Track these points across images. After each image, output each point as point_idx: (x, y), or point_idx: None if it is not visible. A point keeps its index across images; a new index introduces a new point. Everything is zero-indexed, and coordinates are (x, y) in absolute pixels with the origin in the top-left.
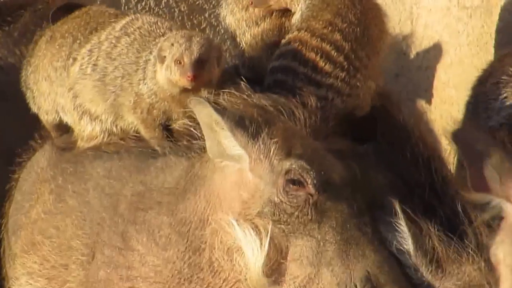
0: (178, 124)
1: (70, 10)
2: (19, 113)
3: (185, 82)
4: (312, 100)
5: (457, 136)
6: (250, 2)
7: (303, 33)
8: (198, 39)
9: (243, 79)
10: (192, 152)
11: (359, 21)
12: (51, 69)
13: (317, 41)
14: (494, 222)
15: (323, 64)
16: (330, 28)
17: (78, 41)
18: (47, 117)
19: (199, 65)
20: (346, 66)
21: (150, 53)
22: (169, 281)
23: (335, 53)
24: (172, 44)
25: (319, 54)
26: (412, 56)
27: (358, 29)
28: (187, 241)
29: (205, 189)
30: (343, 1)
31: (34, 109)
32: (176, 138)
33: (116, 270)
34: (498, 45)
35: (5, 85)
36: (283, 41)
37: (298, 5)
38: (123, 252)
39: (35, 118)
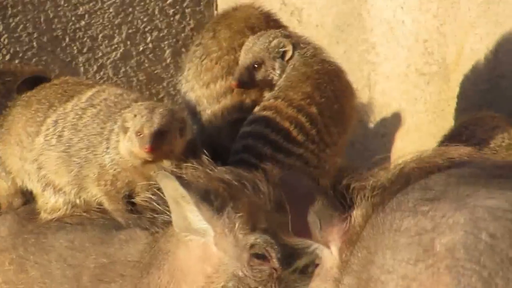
0: (141, 198)
1: (37, 82)
2: None
3: (144, 153)
4: (276, 171)
5: (281, 179)
6: (235, 85)
7: (280, 102)
8: (160, 110)
9: (205, 152)
10: (155, 226)
11: (336, 98)
12: (24, 134)
13: (293, 111)
14: (310, 268)
15: (296, 134)
16: (308, 100)
17: (53, 108)
18: (14, 181)
19: (159, 137)
20: (317, 140)
21: (115, 123)
22: None
23: (309, 126)
24: (135, 115)
25: (293, 124)
26: (369, 123)
27: (334, 106)
28: None
29: (169, 264)
30: (323, 76)
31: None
32: (139, 211)
33: None
34: (456, 112)
35: None
36: (256, 108)
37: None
38: None
39: None
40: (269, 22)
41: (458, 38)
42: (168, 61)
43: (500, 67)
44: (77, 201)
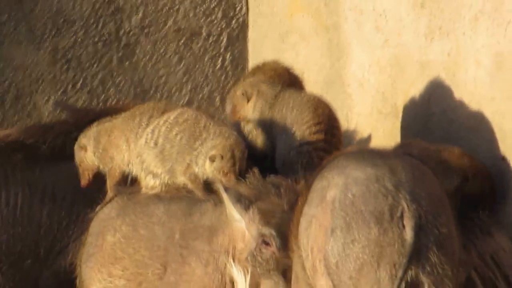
0: (214, 186)
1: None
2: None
3: (224, 181)
4: (301, 184)
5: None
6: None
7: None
8: (239, 154)
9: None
10: (222, 203)
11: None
12: (130, 135)
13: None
14: None
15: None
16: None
17: (152, 118)
18: (120, 169)
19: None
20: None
21: (201, 144)
22: (207, 285)
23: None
24: (222, 157)
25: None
26: (346, 145)
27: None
28: (215, 261)
29: (228, 230)
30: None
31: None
32: (211, 191)
33: (181, 277)
34: (402, 139)
35: None
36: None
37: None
38: (182, 265)
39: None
40: (290, 73)
41: (404, 91)
42: (217, 104)
43: (431, 108)
44: (169, 182)
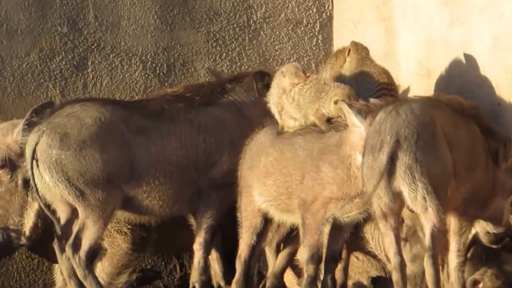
0: (333, 120)
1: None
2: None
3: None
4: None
5: None
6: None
7: None
8: (352, 97)
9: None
10: (341, 128)
11: None
12: (300, 96)
13: None
14: None
15: None
16: None
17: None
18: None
19: None
20: None
21: (326, 94)
22: (339, 183)
23: None
24: (342, 100)
25: None
26: None
27: None
28: (344, 165)
29: (349, 142)
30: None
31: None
32: (333, 123)
33: (316, 181)
34: None
35: None
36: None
37: None
38: (318, 172)
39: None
40: (364, 48)
41: (434, 60)
42: (313, 69)
43: (451, 71)
44: (304, 123)
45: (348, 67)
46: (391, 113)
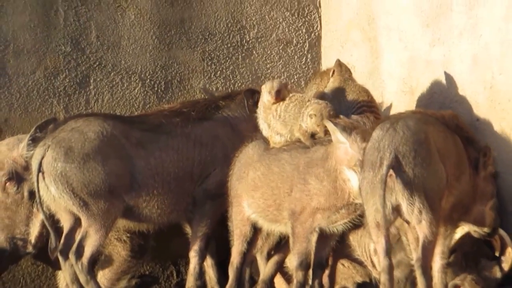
0: (317, 135)
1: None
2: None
3: (318, 130)
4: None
5: None
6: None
7: None
8: (326, 112)
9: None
10: (325, 143)
11: None
12: (286, 115)
13: None
14: None
15: None
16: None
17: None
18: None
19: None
20: None
21: (305, 110)
22: (325, 195)
23: None
24: (315, 115)
25: None
26: None
27: None
28: (330, 178)
29: (334, 156)
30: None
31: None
32: (315, 138)
33: (303, 192)
34: None
35: None
36: None
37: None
38: (305, 185)
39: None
40: (347, 68)
41: (417, 78)
42: (302, 85)
43: (433, 89)
44: (288, 139)
45: (331, 86)
46: (388, 130)
